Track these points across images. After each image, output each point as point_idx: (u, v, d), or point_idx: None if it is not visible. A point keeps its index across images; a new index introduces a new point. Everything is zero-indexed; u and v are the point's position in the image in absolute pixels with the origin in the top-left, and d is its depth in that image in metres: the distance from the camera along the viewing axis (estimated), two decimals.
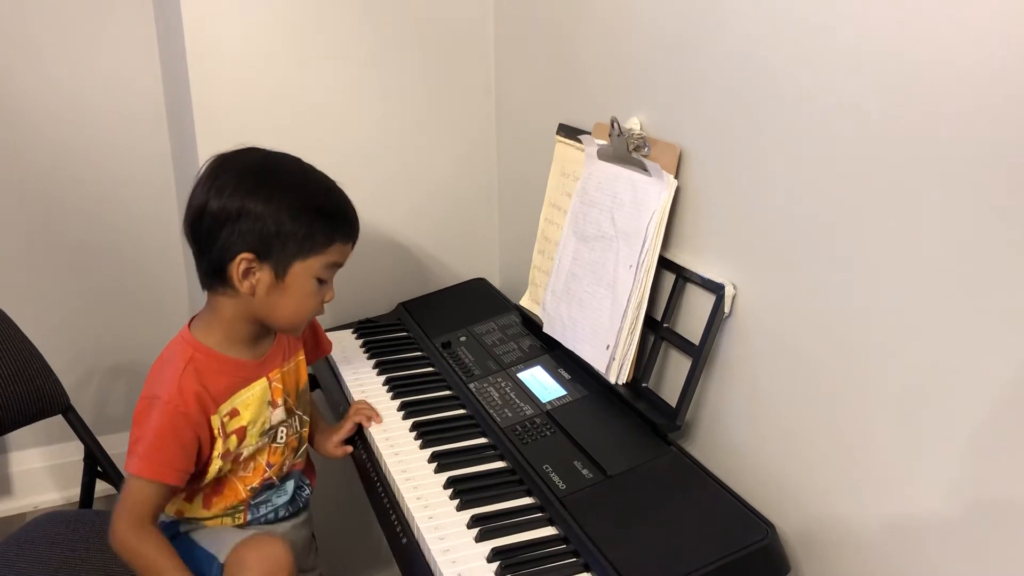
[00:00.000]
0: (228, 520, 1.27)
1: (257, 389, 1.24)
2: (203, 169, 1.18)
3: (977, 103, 0.77)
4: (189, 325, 1.23)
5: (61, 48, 2.15)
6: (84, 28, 2.15)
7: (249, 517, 1.28)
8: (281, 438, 1.28)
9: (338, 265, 1.23)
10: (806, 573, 1.04)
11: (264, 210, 1.13)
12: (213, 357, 1.20)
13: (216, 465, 1.20)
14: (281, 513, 1.32)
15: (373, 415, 1.37)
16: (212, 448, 1.19)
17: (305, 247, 1.16)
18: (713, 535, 1.02)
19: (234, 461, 1.23)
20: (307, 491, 1.36)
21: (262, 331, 1.24)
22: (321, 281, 1.20)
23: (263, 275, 1.16)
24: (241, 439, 1.22)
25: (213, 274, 1.18)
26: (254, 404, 1.23)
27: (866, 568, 0.96)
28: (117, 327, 2.36)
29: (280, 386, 1.27)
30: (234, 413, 1.21)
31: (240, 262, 1.14)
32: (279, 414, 1.27)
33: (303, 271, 1.17)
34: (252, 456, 1.25)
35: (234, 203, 1.13)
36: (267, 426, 1.25)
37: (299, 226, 1.15)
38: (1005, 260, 0.77)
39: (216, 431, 1.19)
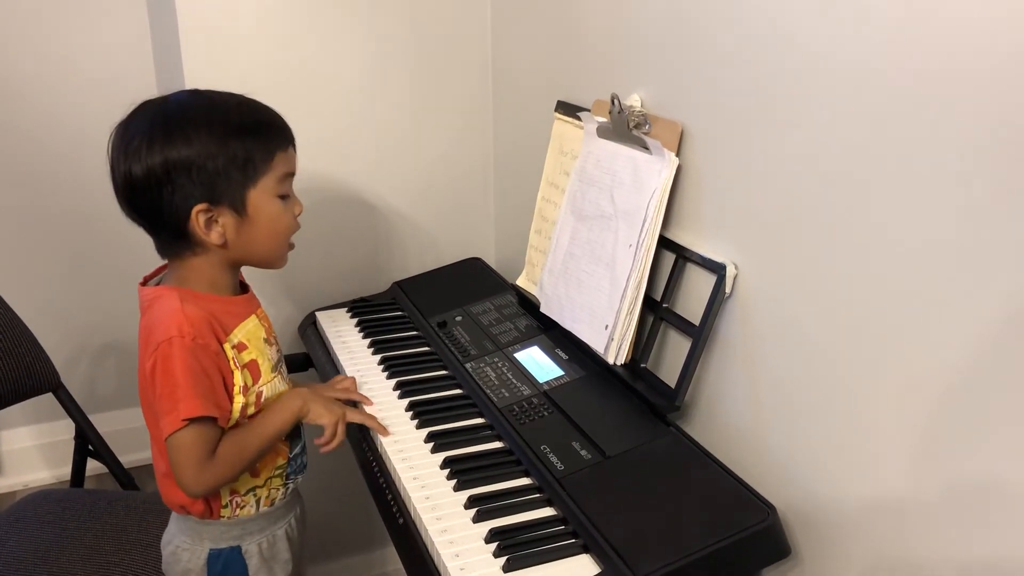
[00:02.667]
0: (278, 481, 1.23)
1: (252, 324, 1.19)
2: (109, 144, 1.12)
3: (990, 77, 0.76)
4: (147, 283, 1.18)
5: (51, 23, 2.12)
6: (75, 1, 2.11)
7: (289, 470, 1.25)
8: (287, 378, 1.25)
9: (291, 175, 1.17)
10: (806, 556, 1.04)
11: (189, 153, 1.07)
12: (201, 297, 1.14)
13: (239, 402, 1.14)
14: (305, 458, 1.29)
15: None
16: (232, 381, 1.14)
17: (250, 172, 1.11)
18: (713, 516, 1.02)
19: (256, 403, 1.17)
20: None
21: (237, 278, 1.21)
22: (283, 197, 1.16)
23: (225, 219, 1.11)
24: (256, 376, 1.17)
25: (176, 240, 1.13)
26: (255, 339, 1.19)
27: (867, 551, 0.95)
28: (107, 306, 2.34)
29: (267, 324, 1.24)
30: (241, 347, 1.16)
31: (197, 216, 1.09)
32: (275, 352, 1.23)
33: (261, 196, 1.13)
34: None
35: (155, 159, 1.07)
36: (272, 362, 1.21)
37: (233, 153, 1.09)
38: (1008, 241, 0.76)
39: (232, 361, 1.14)
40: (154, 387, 1.09)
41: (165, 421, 1.08)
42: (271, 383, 1.19)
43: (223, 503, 1.20)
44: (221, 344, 1.13)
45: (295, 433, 1.26)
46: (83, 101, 2.18)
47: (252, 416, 1.17)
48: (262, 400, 1.18)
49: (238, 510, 1.21)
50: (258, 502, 1.22)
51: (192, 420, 1.07)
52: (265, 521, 1.24)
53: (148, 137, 1.08)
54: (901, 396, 0.89)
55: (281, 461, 1.23)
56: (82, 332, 2.37)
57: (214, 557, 1.21)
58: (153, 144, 1.08)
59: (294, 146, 1.18)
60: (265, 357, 1.19)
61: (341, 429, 1.24)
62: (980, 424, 0.81)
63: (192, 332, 1.09)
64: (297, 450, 1.26)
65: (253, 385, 1.17)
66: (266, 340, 1.22)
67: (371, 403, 1.33)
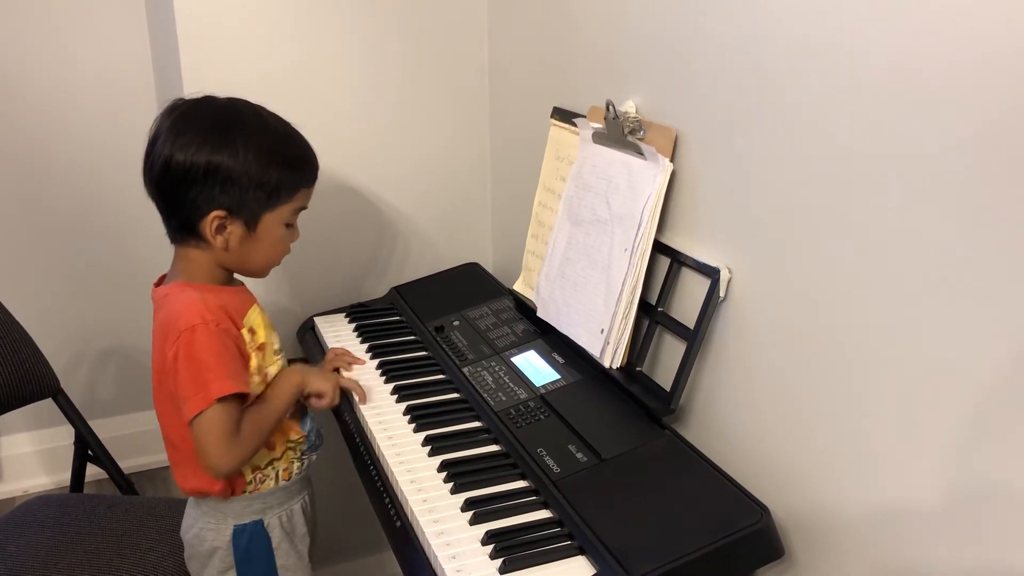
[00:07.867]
0: (291, 454, 1.31)
1: (256, 311, 1.26)
2: (160, 121, 1.18)
3: (980, 78, 0.77)
4: (160, 284, 1.25)
5: (49, 26, 2.13)
6: (74, 4, 2.13)
7: (305, 446, 1.33)
8: (285, 362, 1.32)
9: (303, 208, 1.26)
10: (800, 558, 1.04)
11: (232, 165, 1.15)
12: (209, 289, 1.21)
13: (255, 381, 1.22)
14: (319, 434, 1.36)
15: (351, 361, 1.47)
16: (248, 363, 1.21)
17: (274, 198, 1.20)
18: (707, 518, 1.02)
19: (264, 381, 1.24)
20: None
21: (232, 273, 1.28)
22: (289, 225, 1.24)
23: (235, 229, 1.19)
24: (264, 357, 1.25)
25: (184, 231, 1.20)
26: (262, 323, 1.26)
27: (860, 554, 0.96)
28: (107, 311, 2.35)
29: (265, 313, 1.30)
30: (252, 331, 1.23)
31: (213, 220, 1.17)
32: (277, 338, 1.30)
33: (273, 220, 1.21)
34: None
35: (200, 158, 1.14)
36: (276, 346, 1.28)
37: (267, 179, 1.18)
38: (1006, 244, 0.76)
39: (248, 344, 1.21)
40: (176, 374, 1.14)
41: (191, 403, 1.13)
42: (276, 364, 1.27)
43: (247, 479, 1.26)
44: (239, 328, 1.20)
45: (303, 412, 1.33)
46: (83, 106, 2.19)
47: (259, 395, 1.23)
48: (268, 379, 1.26)
49: (259, 485, 1.27)
50: (277, 475, 1.29)
51: (222, 399, 1.13)
52: (283, 495, 1.31)
53: (203, 135, 1.15)
54: (897, 401, 0.89)
55: (293, 436, 1.31)
56: (82, 337, 2.37)
57: (239, 532, 1.27)
58: (204, 144, 1.15)
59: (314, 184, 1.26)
60: (271, 341, 1.26)
61: (336, 392, 1.34)
62: (981, 429, 0.81)
63: (214, 318, 1.16)
64: (309, 426, 1.34)
65: (265, 366, 1.24)
66: (270, 325, 1.29)
67: (362, 362, 1.47)
